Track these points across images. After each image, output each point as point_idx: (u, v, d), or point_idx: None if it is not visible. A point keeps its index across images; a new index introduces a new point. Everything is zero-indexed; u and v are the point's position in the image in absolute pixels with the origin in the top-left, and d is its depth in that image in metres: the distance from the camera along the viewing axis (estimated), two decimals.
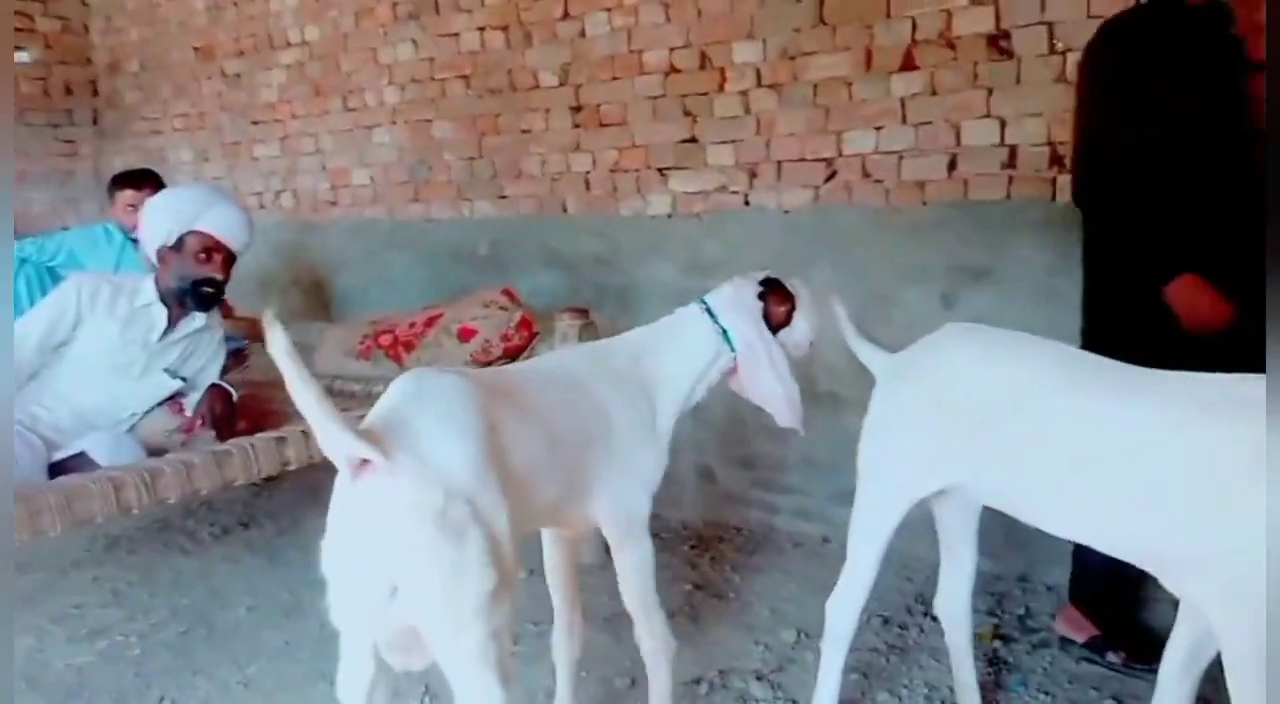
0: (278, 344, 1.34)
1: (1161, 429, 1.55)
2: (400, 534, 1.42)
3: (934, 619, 2.75)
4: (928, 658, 2.60)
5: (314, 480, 4.19)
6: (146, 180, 3.78)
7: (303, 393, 1.36)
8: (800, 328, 2.16)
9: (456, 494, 1.44)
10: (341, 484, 1.46)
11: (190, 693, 2.56)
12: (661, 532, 3.61)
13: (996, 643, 2.66)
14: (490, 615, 1.47)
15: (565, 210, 3.95)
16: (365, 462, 1.42)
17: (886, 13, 3.08)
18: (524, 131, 3.99)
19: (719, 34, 3.43)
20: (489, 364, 3.20)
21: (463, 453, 1.49)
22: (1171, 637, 1.77)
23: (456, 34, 4.11)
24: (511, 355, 3.22)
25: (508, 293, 3.33)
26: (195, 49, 5.18)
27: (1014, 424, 1.74)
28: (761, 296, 2.13)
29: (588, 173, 3.85)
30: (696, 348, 2.11)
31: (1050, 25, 2.82)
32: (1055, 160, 2.87)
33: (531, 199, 4.04)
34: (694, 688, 2.48)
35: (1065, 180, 2.85)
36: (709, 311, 2.13)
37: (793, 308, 2.15)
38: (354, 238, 4.69)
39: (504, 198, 4.12)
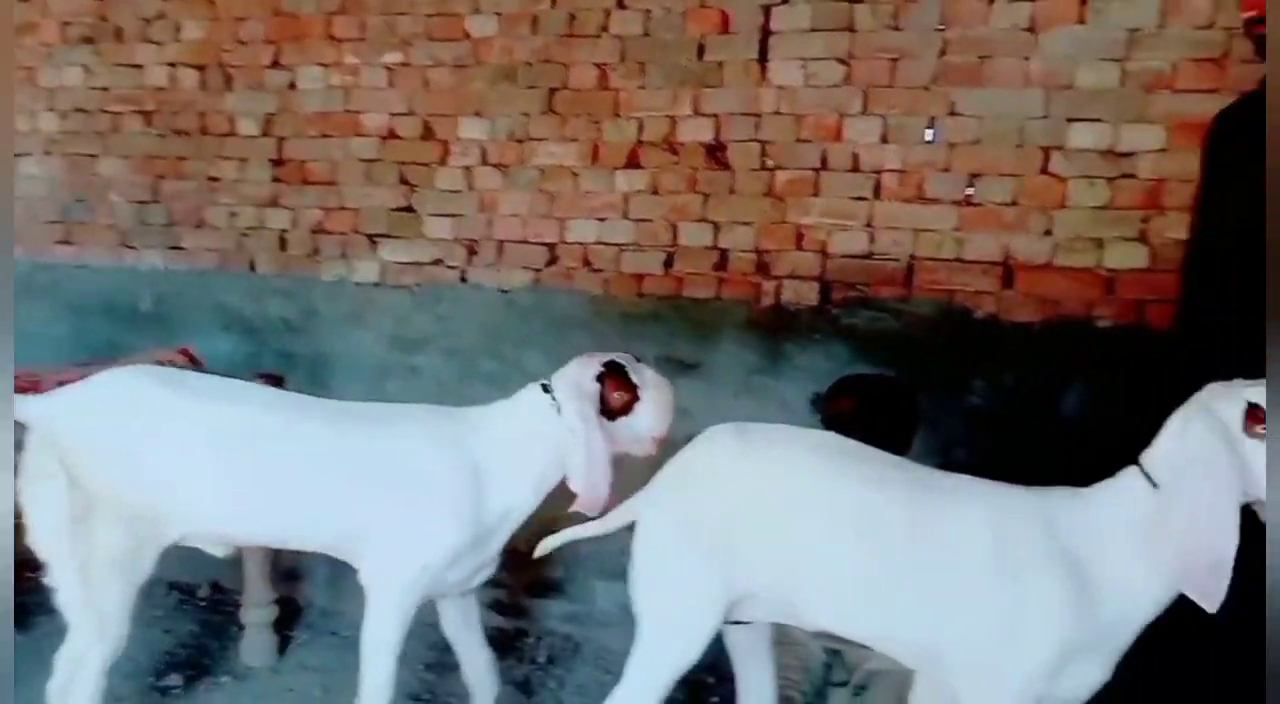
0: None
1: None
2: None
3: None
4: None
5: None
6: None
7: None
8: (642, 420, 2.08)
9: (49, 449, 1.94)
10: None
11: None
12: (340, 630, 3.28)
13: None
14: (69, 535, 1.94)
15: (253, 268, 3.61)
16: None
17: (615, 111, 3.20)
18: (212, 179, 3.63)
19: (445, 107, 3.37)
20: None
21: (74, 427, 1.95)
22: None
23: (140, 66, 3.70)
24: None
25: (186, 353, 2.95)
26: None
27: (800, 528, 1.71)
28: (601, 379, 2.06)
29: (285, 231, 3.56)
30: (534, 425, 2.07)
31: (763, 144, 3.06)
32: (761, 267, 3.09)
33: (213, 253, 3.66)
34: None
35: (770, 285, 3.08)
36: (546, 388, 2.08)
37: (635, 398, 2.07)
38: None
39: (179, 248, 3.70)
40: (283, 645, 3.06)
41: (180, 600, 3.51)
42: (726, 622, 1.84)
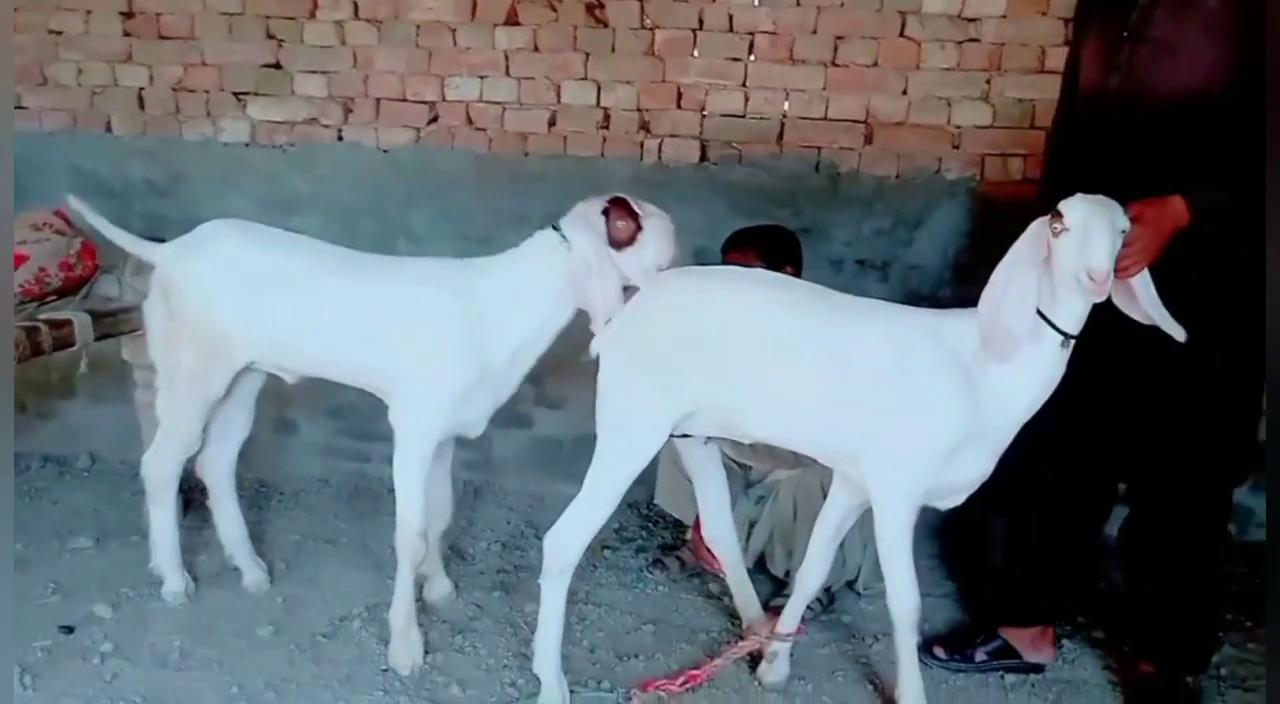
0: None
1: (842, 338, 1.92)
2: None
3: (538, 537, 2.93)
4: None
5: None
6: None
7: (114, 234, 2.47)
8: (647, 250, 2.14)
9: (160, 285, 2.40)
10: None
11: None
12: (238, 491, 3.34)
13: (606, 552, 2.94)
14: (164, 352, 2.41)
15: (109, 129, 3.43)
16: None
17: None
18: (53, 32, 3.38)
19: None
20: (43, 296, 2.71)
21: (172, 268, 2.37)
22: (824, 510, 2.16)
23: None
24: (74, 287, 2.76)
25: (62, 215, 2.82)
26: None
27: (732, 350, 1.95)
28: (606, 213, 2.15)
29: (142, 89, 3.39)
30: (542, 265, 2.20)
31: (642, 3, 3.14)
32: (643, 126, 3.22)
33: (62, 113, 3.45)
34: (345, 626, 2.42)
35: (652, 144, 3.22)
36: (556, 228, 2.19)
37: (639, 228, 2.14)
38: None
39: (22, 108, 3.45)
40: (186, 506, 3.11)
41: (60, 472, 3.47)
42: (676, 436, 2.09)
